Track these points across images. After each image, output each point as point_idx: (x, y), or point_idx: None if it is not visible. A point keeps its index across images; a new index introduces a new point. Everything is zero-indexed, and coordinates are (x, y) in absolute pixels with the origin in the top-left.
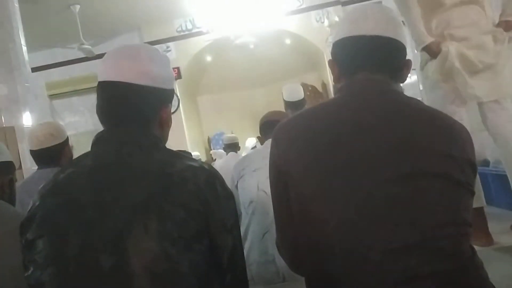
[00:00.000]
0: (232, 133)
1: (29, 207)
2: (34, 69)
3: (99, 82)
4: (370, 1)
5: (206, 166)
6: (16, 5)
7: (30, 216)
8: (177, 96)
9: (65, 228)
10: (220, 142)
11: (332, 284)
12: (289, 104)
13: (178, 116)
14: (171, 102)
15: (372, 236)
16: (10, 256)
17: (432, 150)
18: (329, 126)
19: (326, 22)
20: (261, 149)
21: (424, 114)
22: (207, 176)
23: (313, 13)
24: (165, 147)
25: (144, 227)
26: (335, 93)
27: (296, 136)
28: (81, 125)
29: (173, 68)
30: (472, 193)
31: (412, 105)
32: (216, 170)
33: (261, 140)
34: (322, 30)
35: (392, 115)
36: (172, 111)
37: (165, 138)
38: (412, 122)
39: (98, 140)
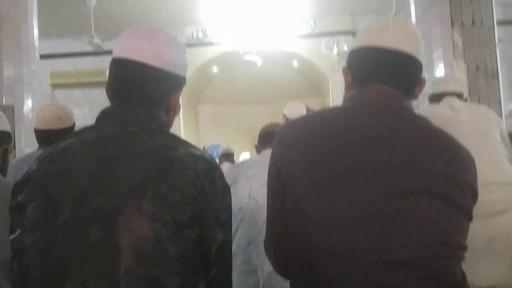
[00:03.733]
0: (228, 145)
1: (25, 171)
2: (42, 56)
3: (114, 58)
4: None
5: (207, 157)
6: None
7: (24, 179)
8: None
9: (58, 195)
10: (215, 153)
11: (318, 287)
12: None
13: (177, 121)
14: (181, 89)
15: (364, 247)
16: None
17: (435, 170)
18: (335, 132)
19: (335, 50)
20: (257, 158)
21: (431, 133)
22: (207, 166)
23: (323, 39)
24: (170, 131)
25: (138, 206)
26: (344, 101)
27: (300, 137)
28: (79, 118)
29: None
30: (470, 218)
31: (420, 123)
32: (216, 162)
33: (258, 149)
34: (330, 57)
35: (399, 131)
36: None
37: (170, 124)
38: (418, 140)
39: (104, 115)
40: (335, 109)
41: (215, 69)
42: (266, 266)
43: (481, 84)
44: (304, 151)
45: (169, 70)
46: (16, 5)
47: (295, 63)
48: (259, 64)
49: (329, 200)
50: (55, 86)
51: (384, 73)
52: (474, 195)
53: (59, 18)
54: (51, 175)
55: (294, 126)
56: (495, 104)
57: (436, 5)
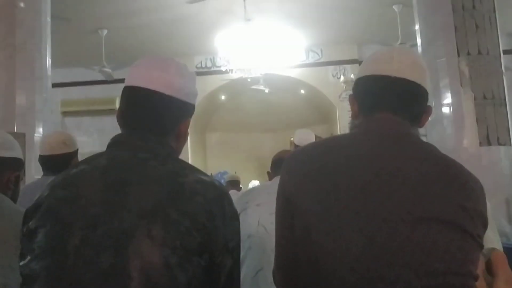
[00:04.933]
0: (235, 173)
1: (37, 197)
2: (54, 85)
3: (126, 87)
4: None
5: (217, 183)
6: (49, 19)
7: (36, 205)
8: None
9: (69, 221)
10: (222, 181)
11: None
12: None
13: (185, 149)
14: (191, 116)
15: (375, 276)
16: (10, 252)
17: (444, 198)
18: (343, 160)
19: (342, 78)
20: (268, 185)
21: (440, 161)
22: (217, 192)
23: (330, 68)
24: (180, 158)
25: (148, 232)
26: (351, 129)
27: (308, 165)
28: (88, 145)
29: None
30: (481, 246)
31: (429, 151)
32: (226, 189)
33: (270, 176)
34: (337, 85)
35: (407, 158)
36: None
37: (179, 151)
38: (427, 168)
39: (115, 142)
40: (342, 137)
41: (223, 97)
42: None
43: (489, 112)
44: (312, 179)
45: (179, 98)
46: (31, 36)
47: (303, 91)
48: (266, 91)
49: (339, 228)
50: (65, 114)
51: (390, 101)
52: (484, 224)
53: (71, 47)
54: (63, 200)
55: (302, 154)
56: (504, 132)
57: (442, 35)
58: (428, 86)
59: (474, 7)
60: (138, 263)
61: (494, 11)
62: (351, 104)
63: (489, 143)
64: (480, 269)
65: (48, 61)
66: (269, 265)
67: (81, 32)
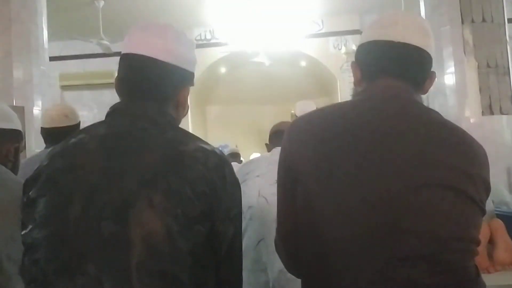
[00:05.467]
0: (236, 146)
1: (36, 167)
2: (51, 58)
3: (123, 54)
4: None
5: (217, 151)
6: None
7: (35, 175)
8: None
9: (69, 191)
10: None
11: (330, 285)
12: None
13: (185, 122)
14: (190, 84)
15: (377, 242)
16: (11, 223)
17: (448, 164)
18: (345, 127)
19: (343, 49)
20: (267, 156)
21: (444, 127)
22: (217, 161)
23: (331, 39)
24: (180, 127)
25: (149, 200)
26: (353, 96)
27: (310, 133)
28: (88, 120)
29: None
30: (484, 212)
31: (432, 117)
32: (227, 157)
33: (269, 147)
34: (338, 56)
35: (410, 124)
36: None
37: (179, 120)
38: (431, 133)
39: (114, 111)
40: (345, 104)
41: (222, 69)
42: (276, 265)
43: (492, 81)
44: (314, 147)
45: (178, 65)
46: (25, 7)
47: (303, 63)
48: (267, 64)
49: (341, 196)
50: (64, 88)
51: (393, 67)
52: (487, 189)
53: (67, 20)
54: (62, 170)
55: (304, 122)
56: (506, 101)
57: (446, 3)
58: (432, 51)
59: None
60: (139, 231)
61: None
62: (354, 70)
63: (492, 113)
64: (483, 236)
65: (45, 33)
66: (270, 235)
67: (77, 3)
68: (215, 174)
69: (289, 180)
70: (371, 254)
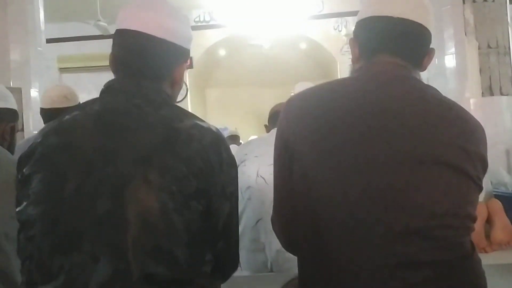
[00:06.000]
0: (235, 129)
1: (30, 144)
2: (48, 41)
3: (118, 30)
4: None
5: (214, 129)
6: None
7: (29, 152)
8: (186, 85)
9: (63, 168)
10: None
11: (327, 262)
12: None
13: (185, 105)
14: (186, 61)
15: (373, 218)
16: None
17: (445, 140)
18: (343, 103)
19: (344, 31)
20: (266, 137)
21: (442, 104)
22: (213, 138)
23: (332, 20)
24: (175, 105)
25: (144, 178)
26: (351, 73)
27: (307, 109)
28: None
29: None
30: (480, 189)
31: (430, 93)
32: (223, 135)
33: (268, 129)
34: (338, 39)
35: (408, 101)
36: (180, 99)
37: (174, 98)
38: (428, 110)
39: (108, 88)
40: (343, 81)
41: (222, 52)
42: (274, 245)
43: (492, 62)
44: (311, 123)
45: (173, 41)
46: None
47: (303, 45)
48: (266, 46)
49: (337, 172)
50: (63, 70)
51: (391, 43)
52: (484, 166)
53: (64, 1)
54: (56, 147)
55: (301, 99)
56: (507, 82)
57: None
58: (431, 27)
59: None
60: (135, 209)
61: None
62: (352, 47)
63: (492, 94)
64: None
65: (41, 14)
66: (268, 215)
67: None
68: (211, 151)
69: (285, 156)
70: (367, 231)
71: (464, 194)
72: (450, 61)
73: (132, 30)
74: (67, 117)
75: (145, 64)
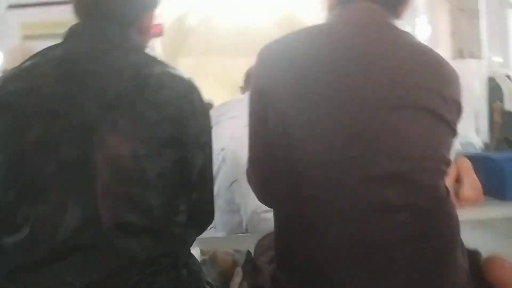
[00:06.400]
0: (210, 99)
1: None
2: (11, 6)
3: None
4: None
5: (185, 77)
6: None
7: None
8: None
9: (26, 114)
10: None
11: (303, 211)
12: None
13: None
14: (154, 9)
15: (349, 163)
16: None
17: (421, 84)
18: (319, 49)
19: None
20: (241, 98)
21: (417, 49)
22: (186, 86)
23: None
24: (145, 52)
25: (113, 124)
26: (326, 19)
27: (283, 56)
28: None
29: (156, 25)
30: (455, 134)
31: (406, 39)
32: (195, 83)
33: (243, 90)
34: (316, 4)
35: (385, 46)
36: None
37: (143, 46)
38: (404, 55)
39: (72, 33)
40: (318, 27)
41: (193, 20)
42: (249, 206)
43: (463, 25)
44: (287, 69)
45: None
46: None
47: (278, 14)
48: (240, 12)
49: (314, 117)
50: (26, 37)
51: None
52: (459, 111)
53: None
54: (17, 93)
55: (276, 46)
56: (476, 45)
57: None
58: None
59: None
60: (104, 155)
61: None
62: None
63: (462, 57)
64: (451, 175)
65: None
66: (243, 177)
67: None
68: (183, 98)
69: (260, 105)
70: (345, 175)
71: (440, 138)
72: (421, 23)
73: None
74: (27, 63)
75: (111, 8)
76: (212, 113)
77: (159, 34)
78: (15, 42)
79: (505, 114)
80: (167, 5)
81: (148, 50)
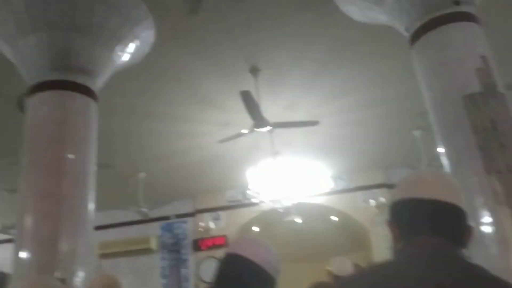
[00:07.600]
0: None
1: None
2: (95, 228)
3: (229, 253)
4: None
5: None
6: (95, 167)
7: None
8: None
9: None
10: None
11: None
12: (338, 279)
13: None
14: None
15: None
16: None
17: None
18: (391, 286)
19: (373, 203)
20: None
21: (488, 283)
22: None
23: (359, 193)
24: None
25: None
26: (393, 254)
27: None
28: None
29: (221, 236)
30: None
31: (476, 272)
32: None
33: None
34: (368, 209)
35: (455, 281)
36: None
37: None
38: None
39: None
40: (387, 264)
41: (256, 229)
42: None
43: None
44: None
45: (271, 273)
46: (77, 185)
47: (334, 218)
48: (299, 221)
49: None
50: (102, 256)
51: (428, 224)
52: None
53: (111, 192)
54: None
55: (351, 283)
56: None
57: (467, 155)
58: (464, 205)
59: (495, 128)
60: None
61: None
62: (390, 228)
63: None
64: None
65: (91, 207)
66: None
67: (121, 176)
68: None
69: None
70: None
71: None
72: (487, 230)
73: (244, 257)
74: None
75: (236, 285)
76: None
77: (225, 245)
78: (93, 261)
79: None
80: (232, 216)
81: None
